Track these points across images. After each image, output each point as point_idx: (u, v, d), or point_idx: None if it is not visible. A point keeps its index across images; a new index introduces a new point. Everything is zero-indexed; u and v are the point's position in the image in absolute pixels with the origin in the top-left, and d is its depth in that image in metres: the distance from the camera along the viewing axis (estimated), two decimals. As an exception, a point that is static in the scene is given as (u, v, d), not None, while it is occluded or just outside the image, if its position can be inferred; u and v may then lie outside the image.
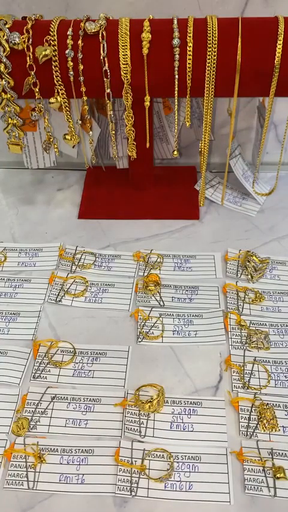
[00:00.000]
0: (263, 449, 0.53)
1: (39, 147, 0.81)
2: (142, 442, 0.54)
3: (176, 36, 0.61)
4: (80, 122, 0.72)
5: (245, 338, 0.64)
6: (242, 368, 0.60)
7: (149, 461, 0.53)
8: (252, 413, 0.56)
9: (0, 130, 0.75)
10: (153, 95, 0.67)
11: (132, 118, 0.69)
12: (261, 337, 0.63)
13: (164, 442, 0.54)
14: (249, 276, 0.71)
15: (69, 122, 0.71)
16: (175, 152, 0.74)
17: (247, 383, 0.59)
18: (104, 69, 0.64)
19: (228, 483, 0.51)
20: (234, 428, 0.55)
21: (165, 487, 0.51)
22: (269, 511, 0.49)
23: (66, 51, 0.63)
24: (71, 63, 0.63)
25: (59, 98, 0.67)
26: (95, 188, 0.88)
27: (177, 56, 0.62)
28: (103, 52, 0.63)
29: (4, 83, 0.65)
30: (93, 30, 0.62)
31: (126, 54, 0.63)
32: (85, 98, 0.67)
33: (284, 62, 0.62)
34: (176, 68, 0.63)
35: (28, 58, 0.64)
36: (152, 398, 0.55)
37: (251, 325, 0.65)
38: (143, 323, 0.66)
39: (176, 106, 0.69)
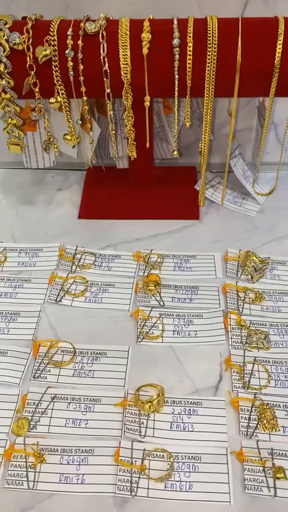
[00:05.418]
0: (263, 449, 0.53)
1: (39, 147, 0.81)
2: (142, 442, 0.54)
3: (176, 36, 0.61)
4: (80, 122, 0.72)
5: (245, 338, 0.64)
6: (242, 368, 0.60)
7: (149, 461, 0.52)
8: (252, 413, 0.56)
9: (0, 130, 0.75)
10: (153, 95, 0.67)
11: (132, 118, 0.69)
12: (261, 337, 0.63)
13: (164, 442, 0.54)
14: (249, 276, 0.71)
15: (69, 122, 0.71)
16: (175, 152, 0.74)
17: (247, 383, 0.59)
18: (104, 69, 0.64)
19: (228, 483, 0.51)
20: (234, 428, 0.55)
21: (165, 487, 0.51)
22: (269, 511, 0.49)
23: (66, 51, 0.63)
24: (71, 63, 0.63)
25: (59, 98, 0.67)
26: (95, 188, 0.88)
27: (177, 56, 0.62)
28: (103, 52, 0.63)
29: (4, 83, 0.65)
30: (93, 30, 0.62)
31: (126, 54, 0.63)
32: (85, 98, 0.67)
33: (284, 62, 0.62)
34: (176, 68, 0.63)
35: (28, 58, 0.64)
36: (152, 398, 0.55)
37: (251, 325, 0.65)
38: (143, 323, 0.66)
39: (176, 106, 0.69)
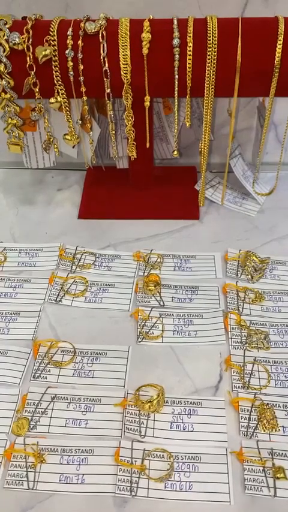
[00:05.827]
0: (263, 449, 0.53)
1: (39, 147, 0.81)
2: (142, 442, 0.54)
3: (176, 36, 0.61)
4: (80, 122, 0.72)
5: (245, 338, 0.64)
6: (242, 368, 0.60)
7: (149, 461, 0.52)
8: (252, 413, 0.56)
9: (0, 130, 0.75)
10: (153, 95, 0.67)
11: (132, 118, 0.69)
12: (261, 337, 0.63)
13: (164, 442, 0.54)
14: (249, 276, 0.71)
15: (69, 122, 0.71)
16: (175, 152, 0.74)
17: (247, 383, 0.59)
18: (104, 69, 0.64)
19: (228, 483, 0.51)
20: (234, 428, 0.55)
21: (165, 487, 0.51)
22: (269, 511, 0.49)
23: (66, 51, 0.63)
24: (71, 63, 0.63)
25: (59, 98, 0.67)
26: (95, 188, 0.88)
27: (177, 56, 0.62)
28: (103, 52, 0.63)
29: (4, 83, 0.65)
30: (93, 30, 0.62)
31: (126, 54, 0.63)
32: (85, 98, 0.67)
33: (284, 62, 0.62)
34: (176, 68, 0.63)
35: (28, 58, 0.64)
36: (152, 398, 0.55)
37: (251, 325, 0.65)
38: (143, 323, 0.66)
39: (176, 106, 0.69)
